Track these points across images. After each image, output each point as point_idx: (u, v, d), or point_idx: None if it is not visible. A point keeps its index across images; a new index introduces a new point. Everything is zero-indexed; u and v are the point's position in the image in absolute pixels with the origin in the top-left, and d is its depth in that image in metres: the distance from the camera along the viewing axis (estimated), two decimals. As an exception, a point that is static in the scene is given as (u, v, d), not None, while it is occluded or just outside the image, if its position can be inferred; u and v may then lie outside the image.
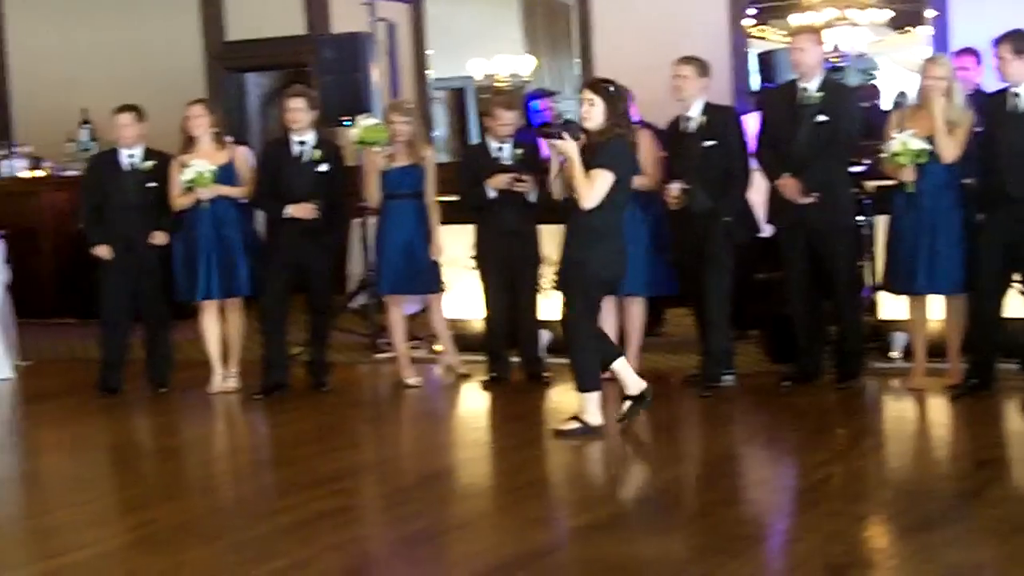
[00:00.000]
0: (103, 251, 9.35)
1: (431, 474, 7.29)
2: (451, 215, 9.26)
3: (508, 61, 13.72)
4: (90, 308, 9.75)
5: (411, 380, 9.30)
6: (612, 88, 7.52)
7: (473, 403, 9.11)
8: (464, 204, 9.13)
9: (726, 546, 5.60)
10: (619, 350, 7.98)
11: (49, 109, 14.38)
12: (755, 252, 9.10)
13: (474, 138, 13.46)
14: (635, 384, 7.73)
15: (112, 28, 14.65)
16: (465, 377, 9.45)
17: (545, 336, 9.47)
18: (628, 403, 7.73)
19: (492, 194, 8.88)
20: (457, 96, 14.23)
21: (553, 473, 7.37)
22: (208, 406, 9.19)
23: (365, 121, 9.34)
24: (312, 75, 12.11)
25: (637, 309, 9.03)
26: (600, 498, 6.59)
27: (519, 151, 9.00)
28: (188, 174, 8.98)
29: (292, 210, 8.92)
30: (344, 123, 10.31)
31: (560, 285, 7.67)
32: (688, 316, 9.36)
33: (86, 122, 13.51)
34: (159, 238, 9.28)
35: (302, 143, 9.05)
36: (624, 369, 7.74)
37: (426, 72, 13.43)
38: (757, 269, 9.33)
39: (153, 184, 9.31)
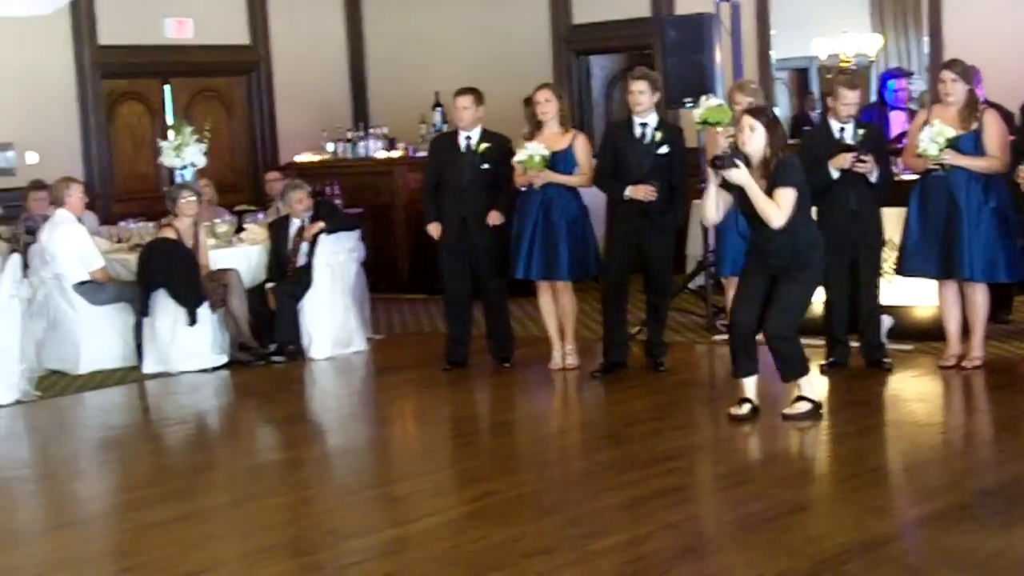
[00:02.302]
0: (435, 229, 9.66)
1: (767, 457, 7.27)
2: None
3: (853, 40, 13.44)
4: (439, 285, 10.08)
5: (748, 362, 9.25)
6: (771, 114, 7.78)
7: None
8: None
9: (1075, 543, 5.41)
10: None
11: (403, 92, 14.90)
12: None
13: (818, 119, 13.26)
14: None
15: (464, 13, 15.06)
16: (803, 361, 9.34)
17: (887, 321, 9.27)
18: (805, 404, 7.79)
19: (835, 174, 8.75)
20: (800, 76, 14.04)
21: (893, 461, 7.24)
22: (548, 382, 9.38)
23: (708, 102, 9.34)
24: (655, 57, 12.17)
25: (980, 296, 8.74)
26: (941, 488, 6.42)
27: (861, 131, 8.84)
28: (520, 156, 9.18)
29: (631, 191, 9.01)
30: (687, 104, 10.33)
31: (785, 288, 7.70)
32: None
33: (438, 104, 13.94)
34: (494, 217, 9.52)
35: (643, 125, 9.12)
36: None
37: (769, 52, 13.29)
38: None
39: (488, 166, 9.55)
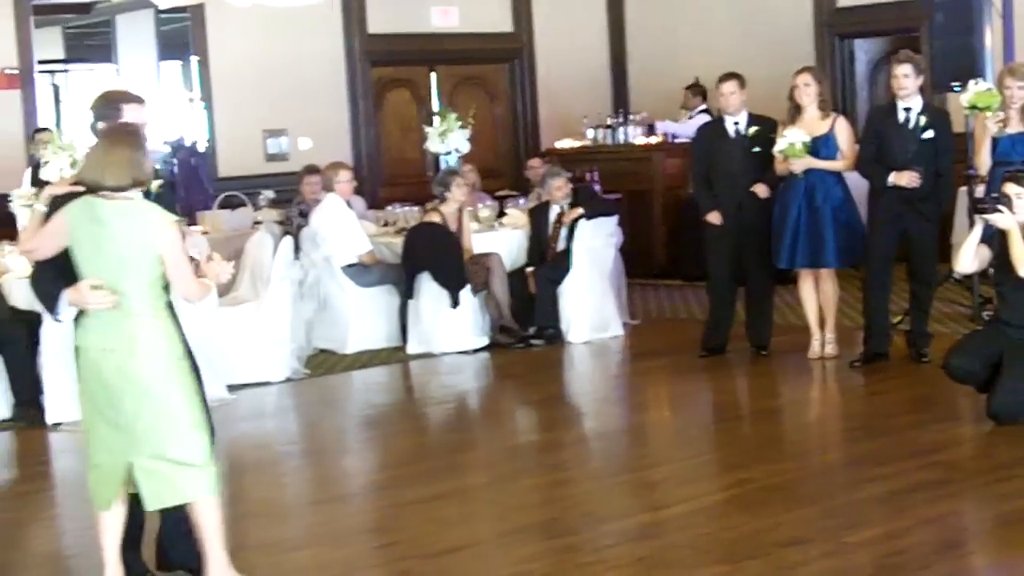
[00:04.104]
0: (714, 218, 9.62)
1: (1033, 453, 7.06)
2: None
3: None
4: (696, 271, 10.05)
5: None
6: None
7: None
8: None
9: None
10: None
11: (662, 77, 14.90)
12: None
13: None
14: None
15: (724, -4, 14.98)
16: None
17: None
18: None
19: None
20: (1077, 59, 13.51)
21: None
22: (806, 371, 9.28)
23: (977, 86, 9.10)
24: (921, 40, 11.90)
25: None
26: None
27: None
28: (780, 144, 9.07)
29: (894, 178, 8.82)
30: (954, 88, 10.08)
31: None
32: None
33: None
34: (761, 190, 9.42)
35: (908, 109, 8.94)
36: None
37: (1044, 34, 12.84)
38: None
39: (758, 149, 9.48)
